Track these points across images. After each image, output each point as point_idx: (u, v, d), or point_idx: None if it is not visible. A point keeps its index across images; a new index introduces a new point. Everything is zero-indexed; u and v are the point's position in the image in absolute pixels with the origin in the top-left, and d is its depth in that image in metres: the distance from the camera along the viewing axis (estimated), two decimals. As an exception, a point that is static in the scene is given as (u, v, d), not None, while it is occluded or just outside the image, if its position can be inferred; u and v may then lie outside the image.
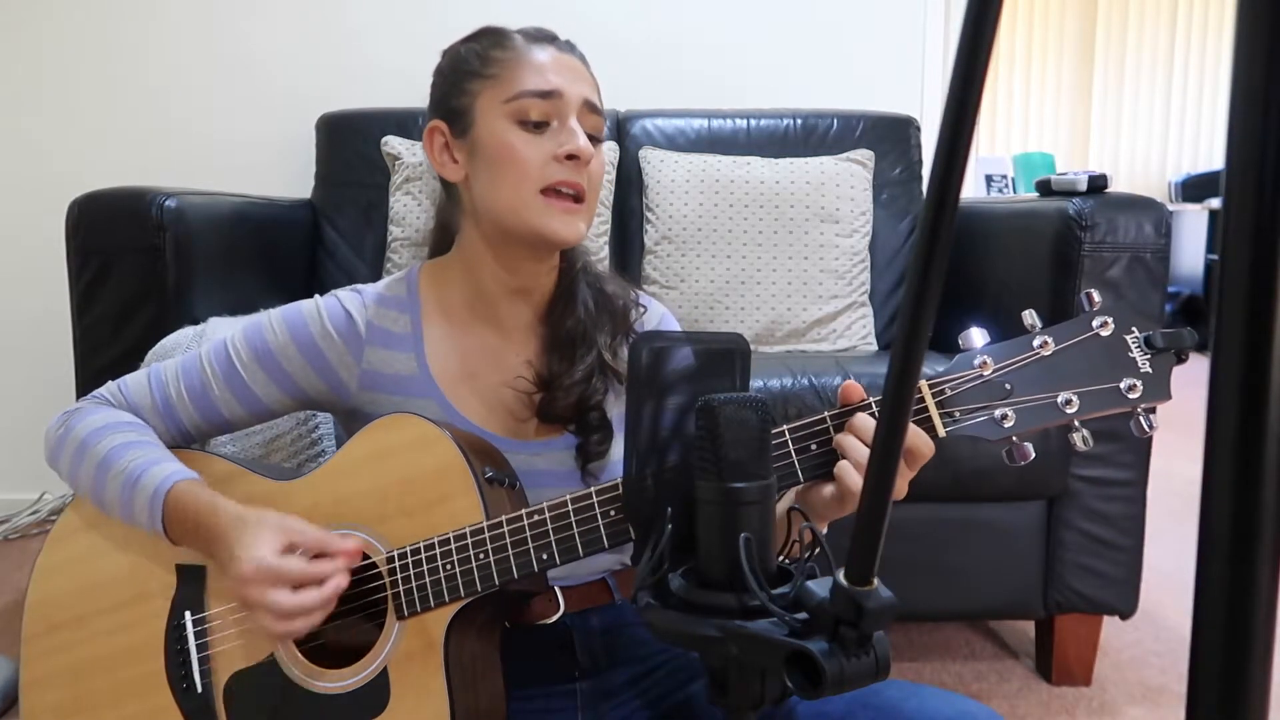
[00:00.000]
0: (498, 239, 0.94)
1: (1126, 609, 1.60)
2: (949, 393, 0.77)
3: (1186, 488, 2.72)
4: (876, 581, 0.48)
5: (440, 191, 1.03)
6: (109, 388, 0.97)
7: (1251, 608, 0.31)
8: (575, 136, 0.90)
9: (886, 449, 0.43)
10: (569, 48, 0.96)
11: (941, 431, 0.77)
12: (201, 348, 0.98)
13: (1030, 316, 0.77)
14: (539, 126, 0.91)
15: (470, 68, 0.94)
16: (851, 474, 0.76)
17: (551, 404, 0.94)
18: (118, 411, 0.95)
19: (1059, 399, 0.75)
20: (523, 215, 0.91)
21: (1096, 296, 0.76)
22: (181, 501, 0.87)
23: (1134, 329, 0.76)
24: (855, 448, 0.77)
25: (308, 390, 0.96)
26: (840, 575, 0.49)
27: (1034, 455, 0.76)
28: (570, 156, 0.90)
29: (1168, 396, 0.75)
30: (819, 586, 0.52)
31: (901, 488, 0.79)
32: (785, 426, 0.79)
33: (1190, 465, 2.83)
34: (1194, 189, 5.90)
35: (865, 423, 0.77)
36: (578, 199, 0.91)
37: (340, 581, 0.81)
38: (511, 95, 0.91)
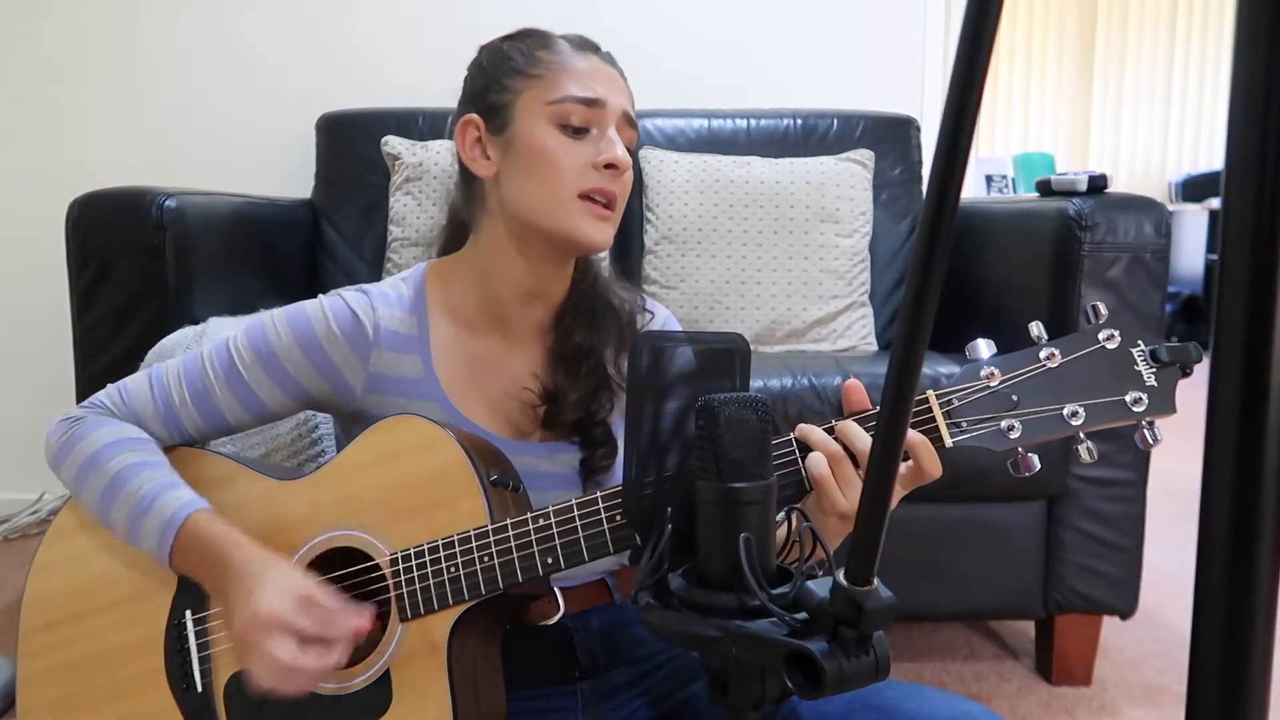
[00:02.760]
0: (522, 238, 0.94)
1: (1126, 609, 1.60)
2: (956, 403, 0.78)
3: (1186, 488, 2.71)
4: (876, 581, 0.48)
5: (456, 188, 1.02)
6: (109, 393, 0.96)
7: (1251, 608, 0.31)
8: (615, 146, 0.91)
9: (886, 449, 0.43)
10: (610, 59, 0.96)
11: (949, 441, 0.77)
12: (203, 348, 0.97)
13: (1037, 328, 0.77)
14: (579, 132, 0.91)
15: (514, 65, 0.93)
16: (819, 463, 0.77)
17: (556, 418, 0.94)
18: (123, 425, 0.94)
19: (1065, 411, 0.76)
20: (557, 216, 0.91)
21: (1103, 309, 0.77)
22: (197, 533, 0.85)
23: (1140, 342, 0.76)
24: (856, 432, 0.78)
25: (312, 392, 0.95)
26: (840, 575, 0.49)
27: (1039, 467, 0.76)
28: (609, 166, 0.91)
29: (1172, 410, 0.75)
30: (819, 586, 0.52)
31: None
32: (793, 434, 0.79)
33: (1190, 465, 2.83)
34: (1194, 189, 5.90)
35: (849, 428, 0.78)
36: (608, 206, 0.92)
37: (341, 656, 0.79)
38: (556, 99, 0.90)
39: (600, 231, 0.92)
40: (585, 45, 0.95)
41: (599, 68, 0.93)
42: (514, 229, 0.94)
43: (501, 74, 0.94)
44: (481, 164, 0.95)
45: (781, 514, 0.74)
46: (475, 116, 0.95)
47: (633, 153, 0.95)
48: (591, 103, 0.91)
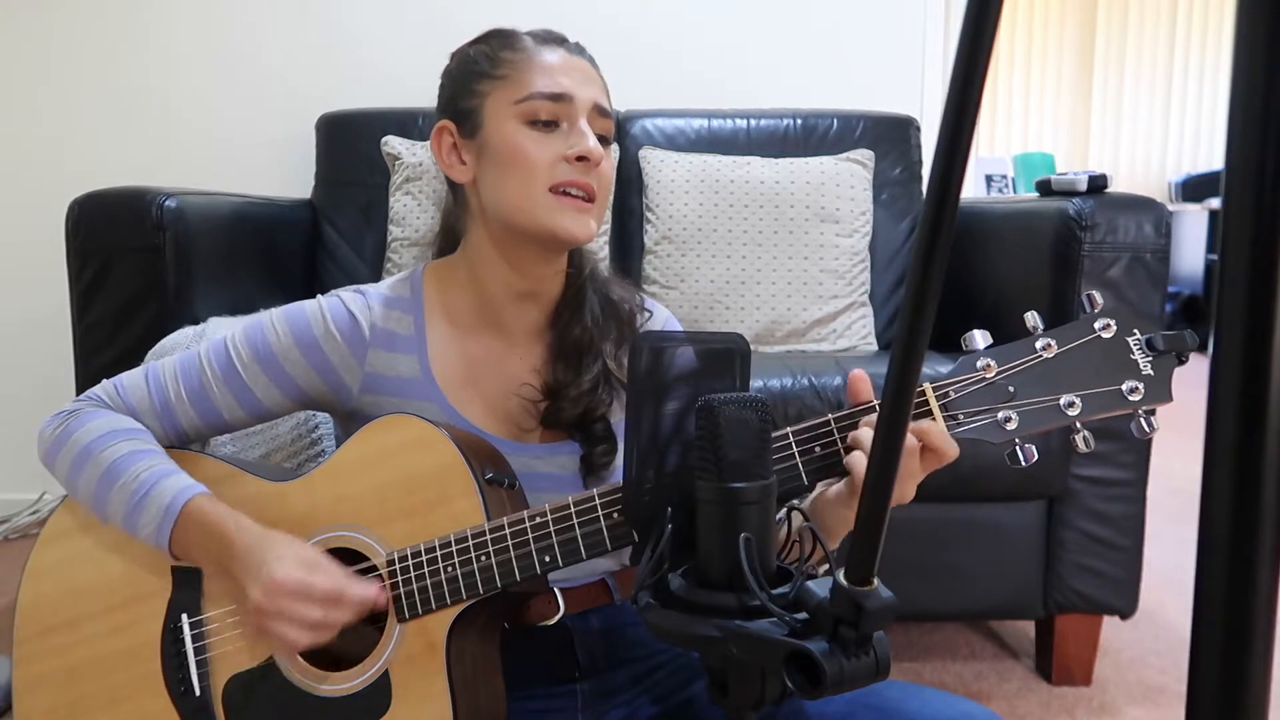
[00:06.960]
0: (506, 240, 0.94)
1: (1126, 609, 1.59)
2: (953, 395, 0.78)
3: (1186, 488, 2.71)
4: (876, 581, 0.48)
5: (446, 195, 1.02)
6: (105, 387, 0.96)
7: (1251, 608, 0.31)
8: (585, 138, 0.90)
9: (887, 447, 0.43)
10: (578, 50, 0.96)
11: None
12: (200, 346, 0.97)
13: (1033, 319, 0.77)
14: (548, 126, 0.91)
15: (479, 69, 0.94)
16: (862, 463, 0.77)
17: (557, 414, 0.94)
18: (118, 416, 0.93)
19: (1061, 401, 0.76)
20: (534, 214, 0.90)
21: (1099, 298, 0.77)
22: (198, 516, 0.86)
23: (1135, 331, 0.76)
24: (869, 439, 0.77)
25: (309, 391, 0.96)
26: (840, 575, 0.49)
27: (1037, 457, 0.76)
28: (580, 158, 0.90)
29: (1169, 398, 0.75)
30: (819, 586, 0.52)
31: (908, 491, 0.79)
32: (789, 429, 0.79)
33: (1190, 465, 2.83)
34: (1194, 189, 5.90)
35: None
36: (588, 199, 0.91)
37: (353, 611, 0.81)
38: (522, 97, 0.90)
39: (579, 224, 0.91)
40: (550, 38, 0.95)
41: (565, 60, 0.93)
42: (496, 231, 0.94)
43: (469, 79, 0.94)
44: (458, 170, 0.95)
45: (782, 513, 0.74)
46: (448, 123, 0.95)
47: (615, 140, 0.95)
48: (558, 97, 0.91)
